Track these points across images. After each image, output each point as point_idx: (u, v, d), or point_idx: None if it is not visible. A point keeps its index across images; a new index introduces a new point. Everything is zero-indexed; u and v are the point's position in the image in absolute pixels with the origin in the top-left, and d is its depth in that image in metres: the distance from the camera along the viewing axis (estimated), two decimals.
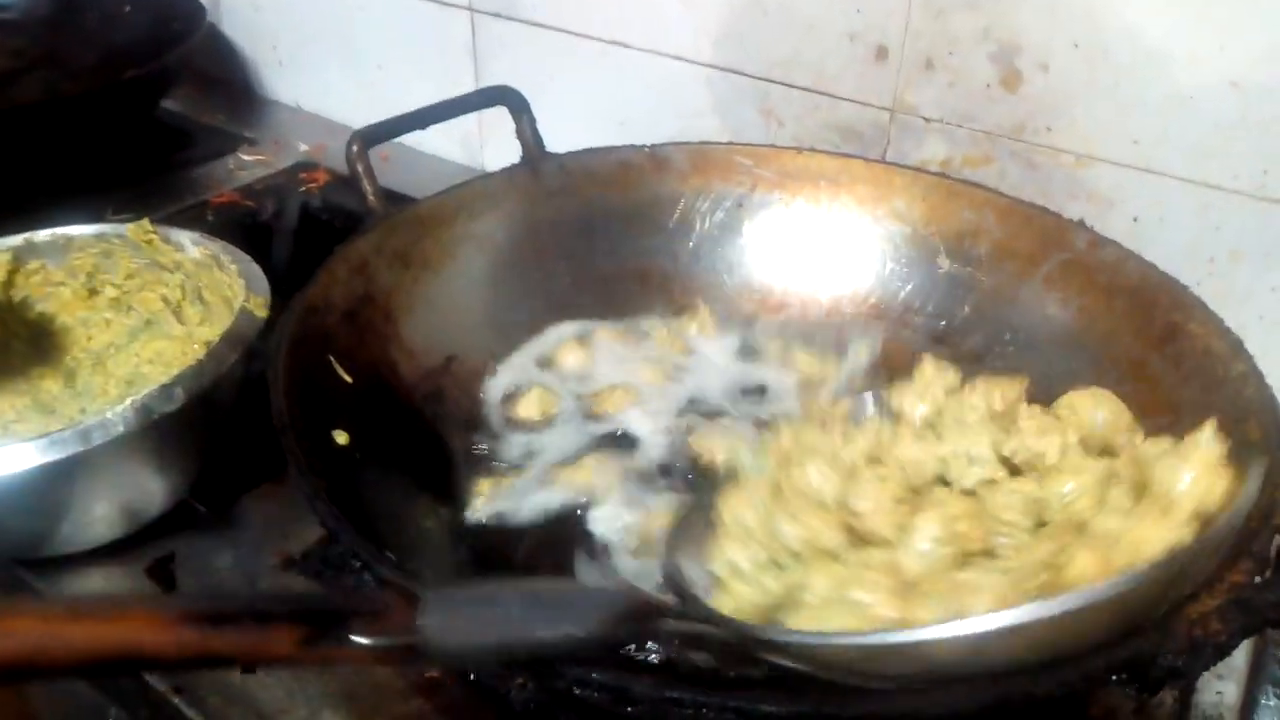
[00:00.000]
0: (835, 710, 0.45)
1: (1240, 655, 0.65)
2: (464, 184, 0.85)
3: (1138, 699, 0.60)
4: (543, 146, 0.88)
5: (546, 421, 0.77)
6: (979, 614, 0.45)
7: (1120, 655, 0.45)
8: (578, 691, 0.45)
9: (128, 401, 0.66)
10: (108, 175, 1.17)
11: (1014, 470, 0.58)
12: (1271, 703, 0.64)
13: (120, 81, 1.13)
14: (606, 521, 0.69)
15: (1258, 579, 0.49)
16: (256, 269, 0.81)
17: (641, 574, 0.65)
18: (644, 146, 0.89)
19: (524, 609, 0.44)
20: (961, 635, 0.43)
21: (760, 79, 0.99)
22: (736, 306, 0.88)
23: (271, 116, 1.41)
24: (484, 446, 0.76)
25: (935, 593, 0.49)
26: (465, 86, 1.19)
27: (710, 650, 0.54)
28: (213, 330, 0.83)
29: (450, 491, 0.71)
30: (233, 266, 0.81)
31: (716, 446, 0.73)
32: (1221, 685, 0.64)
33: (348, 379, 0.70)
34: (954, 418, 0.61)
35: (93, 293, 0.88)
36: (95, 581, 0.71)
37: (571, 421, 0.78)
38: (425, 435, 0.74)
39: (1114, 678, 0.45)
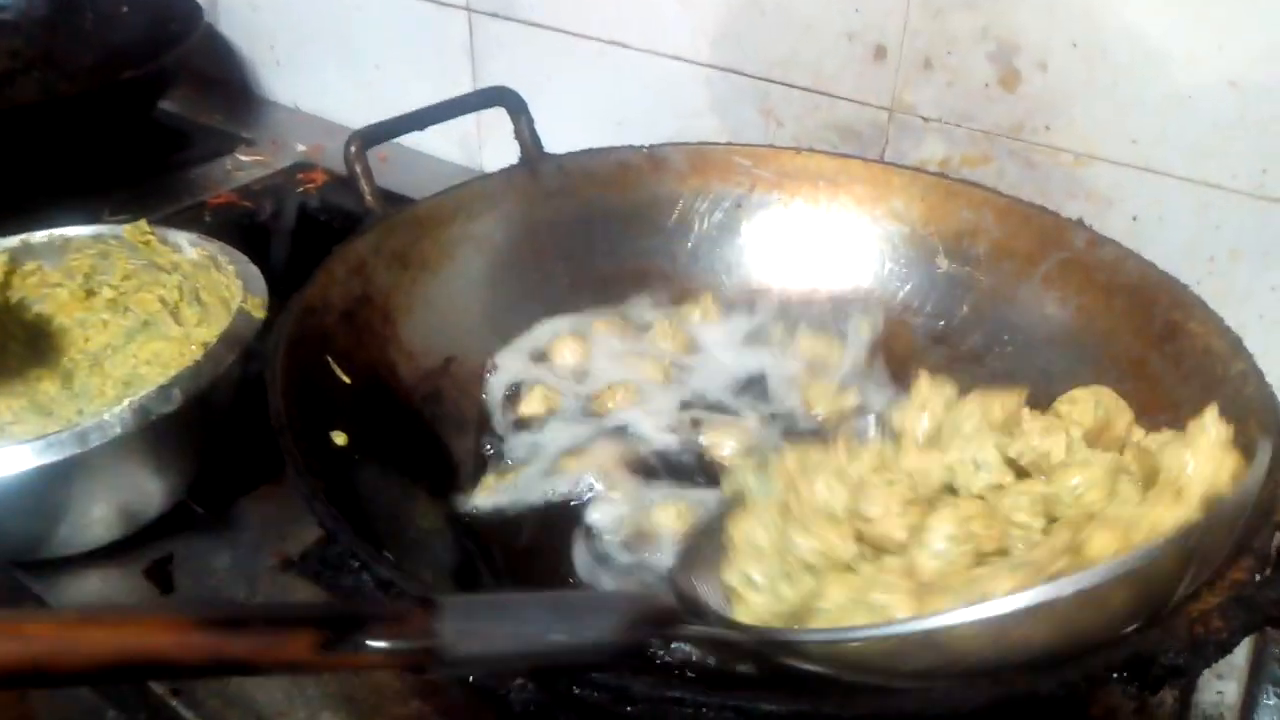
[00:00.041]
0: (835, 710, 0.45)
1: (1240, 654, 0.65)
2: (462, 185, 0.85)
3: (1138, 698, 0.60)
4: (541, 147, 0.88)
5: (550, 416, 0.77)
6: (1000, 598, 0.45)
7: (1121, 653, 0.45)
8: (577, 691, 0.45)
9: (125, 403, 0.65)
10: (105, 176, 1.16)
11: (1020, 473, 0.58)
12: (1271, 701, 0.64)
13: (117, 82, 1.13)
14: (606, 514, 0.69)
15: (1258, 576, 0.49)
16: (254, 270, 0.81)
17: (642, 566, 0.65)
18: (642, 147, 0.89)
19: (542, 615, 0.43)
20: (985, 618, 0.43)
21: (758, 79, 0.99)
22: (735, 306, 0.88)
23: (269, 117, 1.41)
24: (487, 446, 0.76)
25: (953, 589, 0.49)
26: (463, 87, 1.19)
27: (729, 655, 0.54)
28: (210, 331, 0.83)
29: (449, 492, 0.71)
30: (230, 267, 0.81)
31: (725, 441, 0.74)
32: (1222, 684, 0.64)
33: (346, 380, 0.70)
34: (955, 429, 0.62)
35: (90, 294, 0.88)
36: (93, 584, 0.71)
37: (574, 417, 0.77)
38: (424, 436, 0.74)
39: (1115, 676, 0.45)
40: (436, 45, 1.21)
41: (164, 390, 0.67)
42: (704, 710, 0.44)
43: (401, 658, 0.41)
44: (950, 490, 0.59)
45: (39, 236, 0.85)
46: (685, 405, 0.79)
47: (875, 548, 0.55)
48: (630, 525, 0.68)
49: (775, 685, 0.50)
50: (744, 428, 0.76)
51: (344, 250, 0.75)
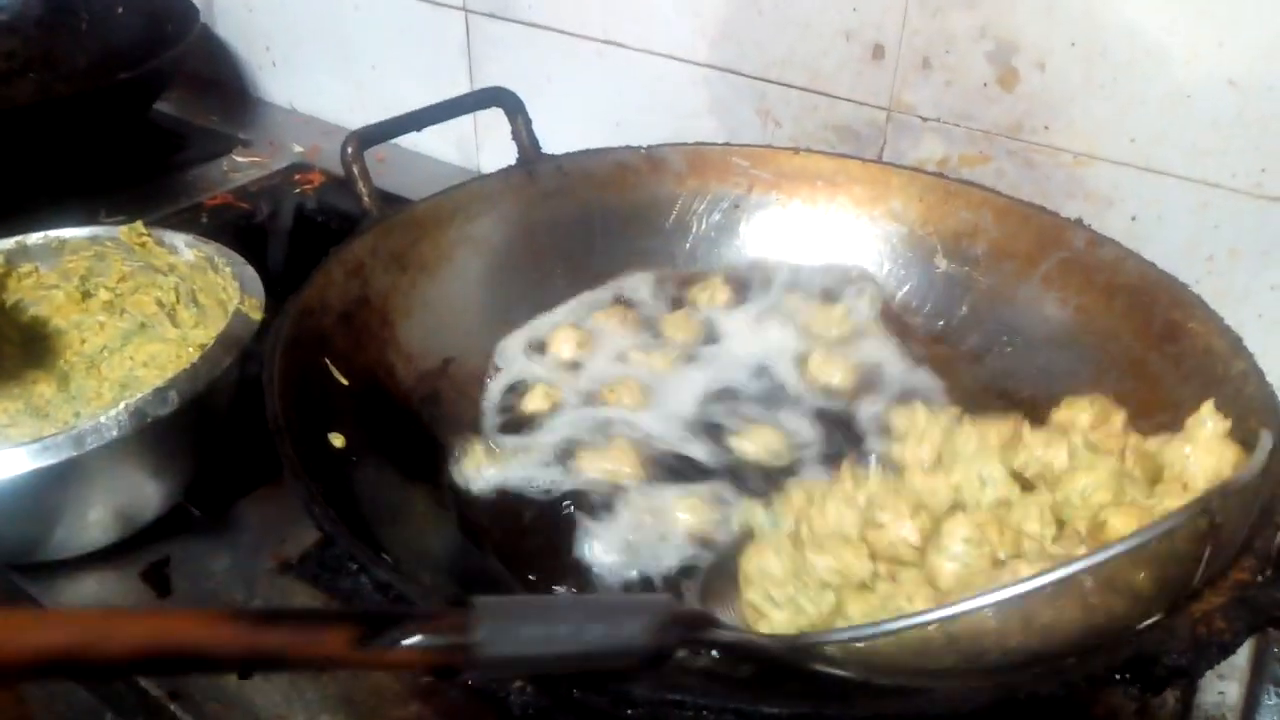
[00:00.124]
0: (836, 711, 0.45)
1: (1242, 654, 0.65)
2: (460, 185, 0.85)
3: (1140, 699, 0.60)
4: (539, 148, 0.88)
5: (551, 413, 0.77)
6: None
7: (1123, 654, 0.45)
8: (577, 694, 0.45)
9: (122, 405, 0.65)
10: (101, 177, 1.16)
11: (1026, 486, 0.58)
12: (1273, 701, 0.64)
13: (113, 83, 1.13)
14: (612, 514, 0.68)
15: (1260, 577, 0.48)
16: (251, 271, 0.80)
17: (641, 561, 0.65)
18: (640, 147, 0.89)
19: (575, 617, 0.43)
20: (1011, 597, 0.43)
21: (756, 79, 0.99)
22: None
23: (265, 118, 1.41)
24: (490, 444, 0.75)
25: (976, 585, 0.49)
26: (460, 87, 1.19)
27: (755, 660, 0.54)
28: (207, 333, 0.83)
29: (447, 492, 0.71)
30: (227, 269, 0.81)
31: (751, 436, 0.74)
32: (1223, 685, 0.64)
33: (344, 381, 0.69)
34: (956, 454, 0.62)
35: (86, 296, 0.87)
36: (90, 586, 0.71)
37: (577, 412, 0.77)
38: (422, 437, 0.74)
39: (1117, 678, 0.45)
40: (433, 46, 1.21)
41: (161, 392, 0.67)
42: (704, 712, 0.44)
43: (435, 655, 0.41)
44: (959, 508, 0.59)
45: (35, 238, 0.85)
46: (697, 396, 0.78)
47: (890, 562, 0.55)
48: (638, 524, 0.67)
49: (775, 688, 0.50)
50: (769, 427, 0.75)
51: (341, 252, 0.75)
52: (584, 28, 1.08)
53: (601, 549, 0.66)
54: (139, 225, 0.85)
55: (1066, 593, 0.43)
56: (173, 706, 0.62)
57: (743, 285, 0.88)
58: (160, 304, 0.87)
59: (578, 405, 0.78)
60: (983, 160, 0.90)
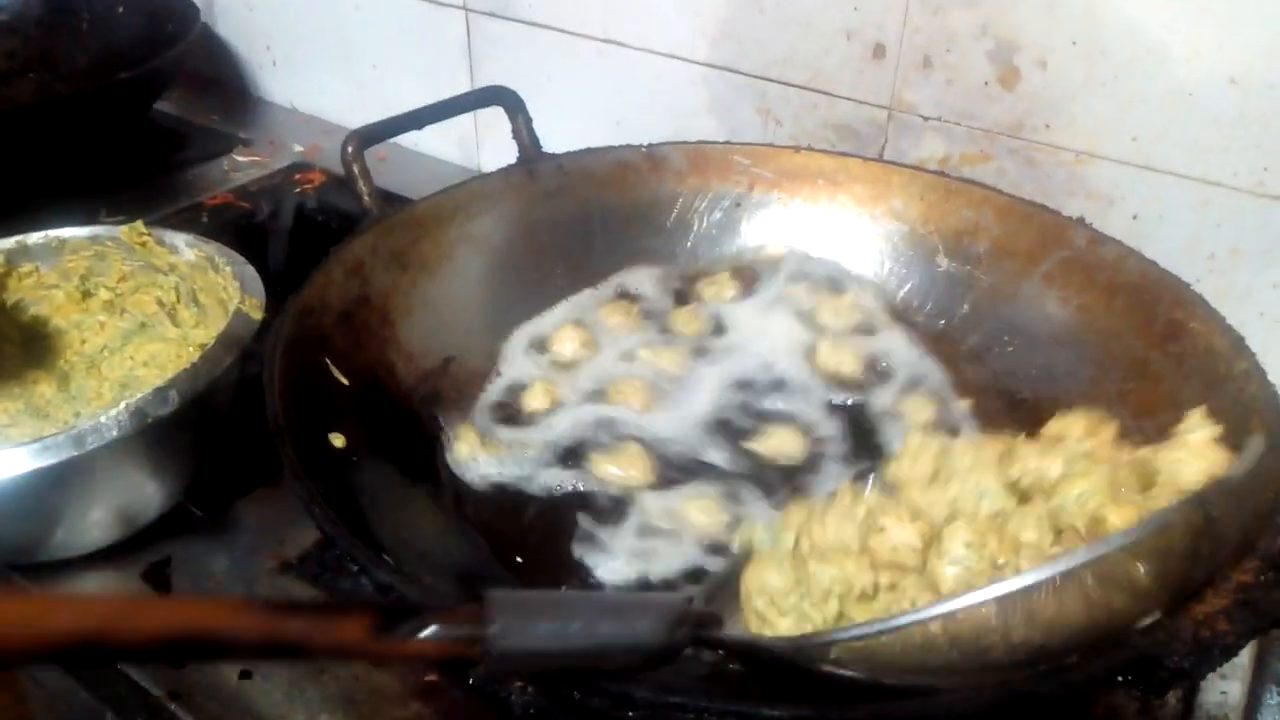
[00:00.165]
0: (837, 713, 0.45)
1: (1244, 654, 0.64)
2: (460, 185, 0.85)
3: (1142, 700, 0.60)
4: (539, 147, 0.88)
5: (552, 411, 0.77)
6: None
7: (1125, 656, 0.45)
8: (578, 696, 0.45)
9: (122, 405, 0.65)
10: (101, 177, 1.16)
11: (1022, 498, 0.58)
12: (1275, 701, 0.64)
13: (114, 83, 1.13)
14: (616, 514, 0.69)
15: (1263, 579, 0.48)
16: (251, 271, 0.80)
17: (642, 556, 0.65)
18: (641, 146, 0.89)
19: (589, 613, 0.44)
20: (1015, 591, 0.43)
21: (757, 77, 0.99)
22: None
23: (266, 117, 1.41)
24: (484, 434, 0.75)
25: (980, 586, 0.49)
26: (460, 86, 1.19)
27: (762, 660, 0.54)
28: (208, 333, 0.83)
29: (446, 489, 0.71)
30: (227, 268, 0.81)
31: (771, 435, 0.74)
32: (1226, 684, 0.63)
33: (344, 381, 0.69)
34: (952, 471, 0.62)
35: (86, 295, 0.87)
36: (90, 587, 0.71)
37: (578, 410, 0.77)
38: (423, 438, 0.74)
39: (1119, 679, 0.45)
40: (434, 45, 1.21)
41: (161, 392, 0.67)
42: (705, 715, 0.44)
43: (451, 646, 0.42)
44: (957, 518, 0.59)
45: (35, 238, 0.85)
46: (706, 396, 0.79)
47: (892, 569, 0.55)
48: (645, 528, 0.67)
49: (775, 690, 0.49)
50: (784, 427, 0.76)
51: (342, 251, 0.75)
52: (584, 27, 1.08)
53: (605, 553, 0.66)
54: (139, 225, 0.85)
55: (1066, 586, 0.43)
56: (173, 706, 0.62)
57: (750, 278, 0.88)
58: (160, 304, 0.87)
59: (579, 404, 0.77)
60: (984, 159, 0.90)
